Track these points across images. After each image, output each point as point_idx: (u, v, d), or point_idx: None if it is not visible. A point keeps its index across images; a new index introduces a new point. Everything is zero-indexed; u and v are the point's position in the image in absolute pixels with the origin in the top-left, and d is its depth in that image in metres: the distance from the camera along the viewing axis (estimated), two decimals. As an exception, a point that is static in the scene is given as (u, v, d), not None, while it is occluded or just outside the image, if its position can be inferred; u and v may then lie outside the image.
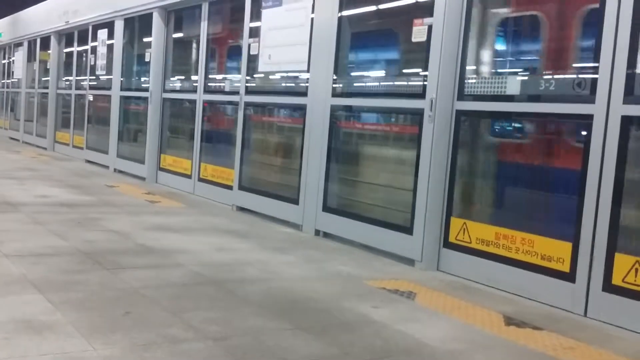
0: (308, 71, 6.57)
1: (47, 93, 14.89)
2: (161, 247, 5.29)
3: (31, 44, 16.23)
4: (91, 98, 12.49)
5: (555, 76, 4.64)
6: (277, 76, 7.30)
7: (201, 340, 3.24)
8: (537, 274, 4.45)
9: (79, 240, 5.31)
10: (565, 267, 4.29)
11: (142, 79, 10.57)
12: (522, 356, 3.38)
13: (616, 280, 4.02)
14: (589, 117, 4.18)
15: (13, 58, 17.98)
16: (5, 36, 18.37)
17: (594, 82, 4.18)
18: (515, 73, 5.02)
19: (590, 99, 4.18)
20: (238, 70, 7.95)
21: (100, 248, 5.10)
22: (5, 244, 4.99)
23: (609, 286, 4.05)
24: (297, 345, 3.27)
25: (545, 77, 4.61)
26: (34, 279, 4.08)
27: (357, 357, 3.19)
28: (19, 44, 17.15)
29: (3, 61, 19.40)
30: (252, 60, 7.44)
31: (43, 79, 15.49)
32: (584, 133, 4.32)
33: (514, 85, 4.76)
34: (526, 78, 4.86)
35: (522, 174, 5.14)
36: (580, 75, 4.37)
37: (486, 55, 5.30)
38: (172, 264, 4.79)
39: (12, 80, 18.10)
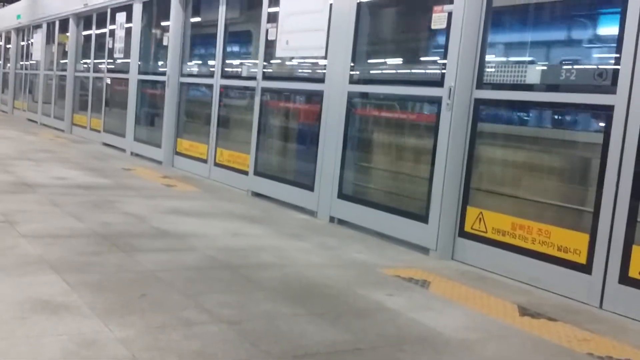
0: (325, 57, 6.54)
1: (65, 75, 14.96)
2: (176, 231, 5.31)
3: (50, 26, 16.29)
4: (109, 81, 12.53)
5: (576, 66, 4.59)
6: (295, 62, 7.28)
7: (215, 324, 3.26)
8: (553, 265, 4.43)
9: (95, 222, 5.34)
10: (582, 259, 4.26)
11: (160, 62, 10.58)
12: (536, 347, 3.37)
13: (633, 272, 3.99)
14: (610, 108, 4.13)
15: (32, 40, 18.06)
16: (24, 18, 18.45)
17: (616, 72, 4.13)
18: (535, 62, 4.96)
19: (612, 89, 4.13)
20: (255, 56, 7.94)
21: (116, 230, 5.13)
22: (22, 224, 5.03)
23: (625, 278, 4.02)
24: (310, 331, 3.28)
25: (566, 66, 4.55)
26: (50, 260, 4.12)
27: (370, 344, 3.19)
28: (38, 26, 17.22)
29: (22, 43, 19.49)
30: (270, 45, 7.42)
31: (61, 61, 15.56)
32: (602, 124, 4.28)
33: (534, 74, 4.72)
34: (546, 67, 4.80)
35: (537, 165, 5.10)
36: (602, 66, 4.32)
37: (506, 44, 5.25)
38: (187, 248, 4.81)
39: (31, 62, 18.19)
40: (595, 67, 4.40)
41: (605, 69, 4.25)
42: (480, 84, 5.00)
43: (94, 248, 4.54)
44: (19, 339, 2.86)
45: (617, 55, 4.13)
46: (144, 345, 2.90)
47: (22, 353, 2.72)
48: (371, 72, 6.39)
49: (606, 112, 4.18)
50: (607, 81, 4.20)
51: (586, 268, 4.23)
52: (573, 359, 3.25)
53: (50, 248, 4.41)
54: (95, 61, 13.53)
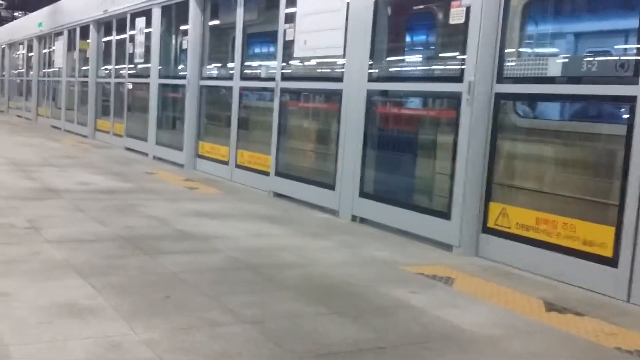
0: (344, 56, 6.53)
1: (87, 82, 15.12)
2: (199, 233, 5.34)
3: (71, 33, 16.47)
4: (130, 86, 12.64)
5: (597, 57, 4.53)
6: (313, 62, 7.28)
7: (239, 324, 3.26)
8: (578, 259, 4.37)
9: (119, 226, 5.39)
10: (608, 252, 4.21)
11: (180, 66, 10.64)
12: (563, 342, 3.33)
13: (660, 265, 3.93)
14: (632, 99, 4.07)
15: (53, 47, 18.28)
16: (45, 26, 18.68)
17: (637, 63, 4.06)
18: (556, 54, 4.91)
19: (634, 80, 4.07)
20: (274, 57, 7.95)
21: (140, 234, 5.17)
22: (47, 230, 5.09)
23: (653, 271, 3.96)
24: (333, 330, 3.27)
25: (587, 58, 4.50)
26: (75, 264, 4.16)
27: (394, 342, 3.18)
28: (59, 34, 17.42)
29: (44, 51, 19.74)
30: (288, 46, 7.43)
31: (83, 67, 15.72)
32: (626, 116, 4.22)
33: (554, 66, 4.66)
34: (567, 60, 4.75)
35: (559, 158, 5.05)
36: (623, 57, 4.26)
37: (526, 37, 5.20)
38: (210, 249, 4.83)
39: (53, 69, 18.41)
40: (617, 58, 4.34)
41: (627, 60, 4.19)
42: (501, 78, 4.96)
43: (118, 252, 4.58)
44: (45, 343, 2.89)
45: (639, 45, 4.07)
46: (169, 346, 2.92)
47: (48, 357, 2.75)
48: (390, 69, 6.36)
49: (629, 103, 4.12)
50: (629, 72, 4.14)
51: (612, 261, 4.17)
52: (600, 354, 3.21)
53: (75, 252, 4.45)
54: (116, 67, 13.65)
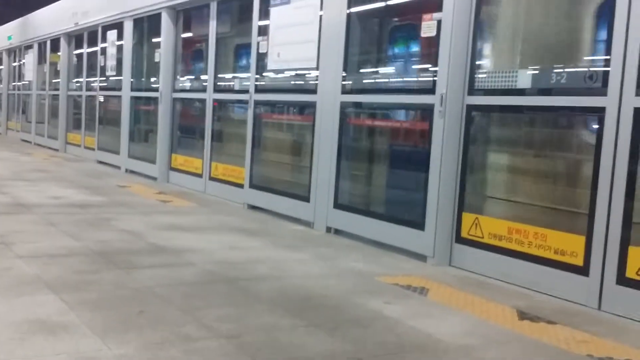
0: (317, 69, 6.56)
1: (58, 95, 14.97)
2: (173, 246, 5.30)
3: (41, 46, 16.32)
4: (102, 99, 12.54)
5: (567, 69, 4.61)
6: (287, 74, 7.30)
7: (214, 339, 3.25)
8: (550, 268, 4.43)
9: (91, 240, 5.33)
10: (579, 261, 4.27)
11: (152, 79, 10.60)
12: (536, 350, 3.36)
13: (630, 273, 4.00)
14: (601, 110, 4.16)
15: (23, 60, 18.08)
16: (15, 39, 18.48)
17: (606, 74, 4.15)
18: (526, 66, 4.99)
19: (602, 91, 4.16)
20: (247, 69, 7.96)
21: (113, 248, 5.12)
22: (19, 245, 5.02)
23: (622, 279, 4.03)
24: (310, 342, 3.27)
25: (557, 70, 4.58)
26: (48, 280, 4.10)
27: (370, 353, 3.18)
28: (29, 47, 17.24)
29: (14, 64, 19.51)
30: (262, 58, 7.45)
31: (54, 80, 15.57)
32: (595, 126, 4.30)
33: (524, 78, 4.74)
34: (537, 72, 4.83)
35: (531, 168, 5.12)
36: (592, 68, 4.34)
37: (496, 49, 5.28)
38: (185, 263, 4.80)
39: (23, 82, 18.20)
40: (586, 69, 4.42)
41: (596, 71, 4.27)
42: (472, 90, 5.03)
43: (90, 266, 4.52)
44: (17, 359, 2.84)
45: (607, 57, 4.15)
46: (143, 362, 2.89)
47: (20, 374, 2.70)
48: (363, 81, 6.41)
49: (598, 114, 4.20)
50: (598, 83, 4.22)
51: (583, 270, 4.23)
52: (573, 362, 3.25)
53: (47, 268, 4.40)
54: (88, 79, 13.55)
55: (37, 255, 4.74)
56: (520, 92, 4.76)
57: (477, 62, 5.05)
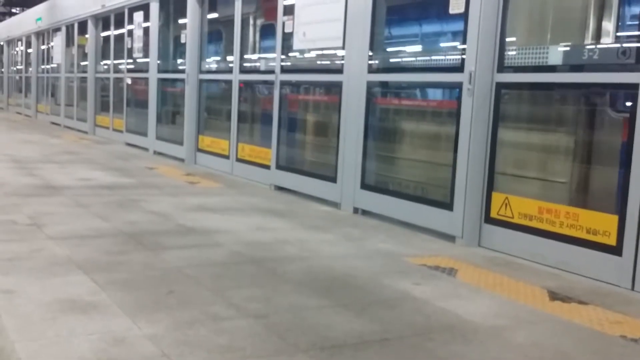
0: (343, 48, 6.50)
1: (86, 77, 15.09)
2: (201, 227, 5.33)
3: (69, 28, 16.44)
4: (129, 81, 12.61)
5: (599, 45, 4.51)
6: (312, 54, 7.26)
7: (243, 318, 3.26)
8: (582, 247, 4.36)
9: (121, 221, 5.38)
10: (612, 241, 4.19)
11: (179, 60, 10.62)
12: (567, 331, 3.32)
13: (664, 253, 3.92)
14: (634, 87, 4.05)
15: (52, 43, 18.24)
16: (44, 21, 18.64)
17: (639, 50, 4.04)
18: (557, 42, 4.89)
19: (636, 67, 4.05)
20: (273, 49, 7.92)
21: (142, 229, 5.16)
22: (49, 226, 5.08)
23: (657, 259, 3.95)
24: (337, 323, 3.27)
25: (589, 46, 4.47)
26: (78, 260, 4.15)
27: (398, 334, 3.17)
28: (57, 29, 17.38)
29: (42, 47, 19.70)
30: (287, 38, 7.40)
31: (82, 63, 15.70)
32: (628, 104, 4.20)
33: (555, 55, 4.64)
34: (568, 48, 4.72)
35: (562, 146, 5.03)
36: (625, 44, 4.23)
37: (526, 25, 5.17)
38: (213, 244, 4.82)
39: (52, 65, 18.37)
40: (618, 45, 4.32)
41: (629, 47, 4.16)
42: (502, 68, 4.93)
43: (120, 247, 4.57)
44: (49, 339, 2.88)
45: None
46: (173, 341, 2.91)
47: (52, 353, 2.74)
48: (390, 60, 6.33)
49: (631, 90, 4.10)
50: (631, 59, 4.12)
51: (616, 250, 4.16)
52: (605, 342, 3.20)
53: (77, 249, 4.45)
54: (115, 62, 13.62)
55: (68, 236, 4.80)
56: (552, 68, 4.67)
57: (507, 39, 4.95)
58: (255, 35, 9.08)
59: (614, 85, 4.36)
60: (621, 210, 4.13)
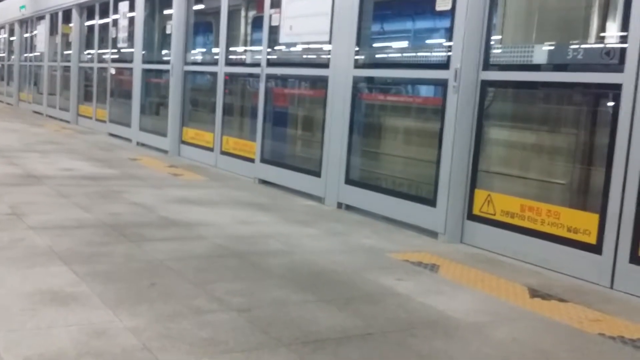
0: (330, 42, 6.49)
1: (69, 66, 14.95)
2: (184, 220, 5.31)
3: (53, 17, 16.25)
4: (113, 71, 12.51)
5: (583, 45, 4.54)
6: (299, 48, 7.24)
7: (225, 312, 3.25)
8: (563, 246, 4.40)
9: (103, 212, 5.35)
10: (592, 239, 4.24)
11: (164, 51, 10.55)
12: (547, 328, 3.35)
13: (644, 252, 3.97)
14: (617, 87, 4.09)
15: (35, 32, 18.04)
16: (28, 9, 18.42)
17: (623, 50, 4.08)
18: (542, 42, 4.92)
19: (619, 68, 4.09)
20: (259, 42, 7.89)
21: (124, 221, 5.13)
22: (30, 216, 5.04)
23: (636, 258, 4.00)
24: (320, 317, 3.27)
25: (573, 45, 4.51)
26: (59, 251, 4.12)
27: (381, 329, 3.18)
28: (41, 17, 17.19)
29: (25, 35, 19.47)
30: (274, 31, 7.38)
31: (65, 52, 15.54)
32: (611, 103, 4.24)
33: (540, 54, 4.67)
34: (553, 47, 4.75)
35: (546, 145, 5.06)
36: (609, 44, 4.27)
37: (512, 24, 5.20)
38: (196, 237, 4.81)
39: (35, 54, 18.18)
40: (602, 45, 4.35)
41: (613, 48, 4.20)
42: (487, 65, 4.96)
43: (102, 238, 4.54)
44: (29, 330, 2.86)
45: (625, 33, 4.08)
46: (155, 334, 2.90)
47: (32, 344, 2.72)
48: (376, 56, 6.33)
49: (614, 90, 4.14)
50: (615, 60, 4.15)
51: (596, 248, 4.20)
52: (584, 340, 3.24)
53: (58, 239, 4.41)
54: (99, 51, 13.50)
55: (49, 226, 4.76)
56: (536, 67, 4.70)
57: (493, 37, 4.97)
58: (247, 27, 9.04)
59: (598, 85, 4.40)
60: (602, 209, 4.17)
